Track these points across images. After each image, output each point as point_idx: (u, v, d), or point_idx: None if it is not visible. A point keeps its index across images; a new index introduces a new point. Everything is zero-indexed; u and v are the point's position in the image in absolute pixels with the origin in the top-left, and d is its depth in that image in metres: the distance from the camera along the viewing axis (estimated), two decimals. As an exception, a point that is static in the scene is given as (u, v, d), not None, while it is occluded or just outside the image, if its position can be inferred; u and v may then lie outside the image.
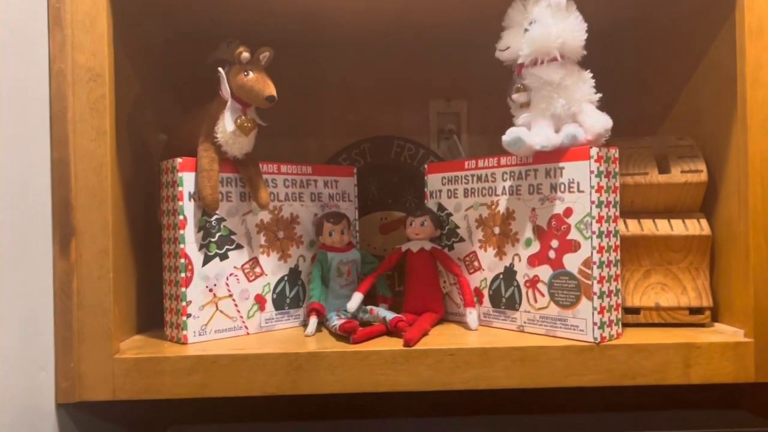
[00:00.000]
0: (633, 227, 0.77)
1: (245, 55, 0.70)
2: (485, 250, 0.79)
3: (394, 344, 0.70)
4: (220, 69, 0.71)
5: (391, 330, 0.73)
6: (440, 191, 0.85)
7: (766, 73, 0.68)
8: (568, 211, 0.70)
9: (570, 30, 0.69)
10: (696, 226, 0.77)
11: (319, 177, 0.85)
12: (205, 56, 0.74)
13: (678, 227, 0.77)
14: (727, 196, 0.76)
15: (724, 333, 0.72)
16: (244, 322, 0.77)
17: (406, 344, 0.68)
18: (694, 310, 0.76)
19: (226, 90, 0.71)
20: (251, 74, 0.71)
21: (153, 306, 0.79)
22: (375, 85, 1.12)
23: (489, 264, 0.79)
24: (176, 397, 0.66)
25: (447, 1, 0.84)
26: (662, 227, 0.77)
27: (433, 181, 0.86)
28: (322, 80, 1.11)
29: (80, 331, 0.66)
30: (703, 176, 0.77)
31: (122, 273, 0.73)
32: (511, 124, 0.73)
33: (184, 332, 0.72)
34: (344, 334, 0.72)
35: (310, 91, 1.11)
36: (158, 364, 0.66)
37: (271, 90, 0.71)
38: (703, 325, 0.76)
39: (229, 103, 0.72)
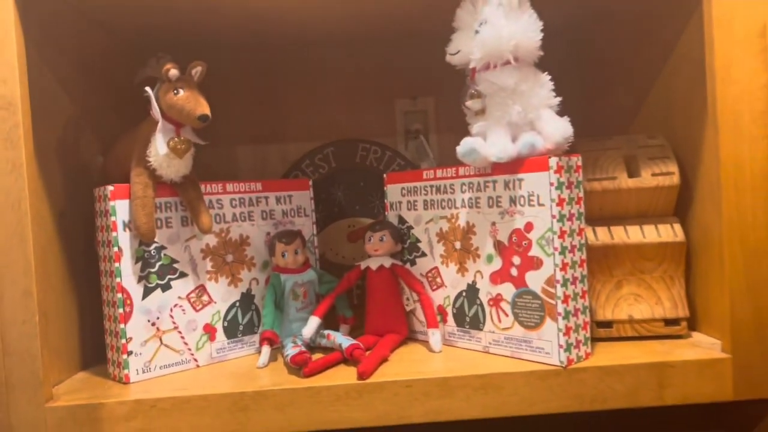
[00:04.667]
0: (603, 236, 0.73)
1: (173, 72, 0.65)
2: (447, 266, 0.75)
3: (348, 376, 0.65)
4: (147, 89, 0.66)
5: (348, 358, 0.69)
6: (400, 203, 0.80)
7: (738, 70, 0.63)
8: (529, 226, 0.65)
9: (523, 30, 0.63)
10: (669, 232, 0.72)
11: (271, 193, 0.80)
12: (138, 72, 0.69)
13: (650, 234, 0.72)
14: (702, 199, 0.71)
15: (700, 347, 0.68)
16: (192, 354, 0.73)
17: (360, 377, 0.64)
18: (670, 321, 0.72)
19: (156, 110, 0.66)
20: (181, 92, 0.65)
21: (98, 339, 0.74)
22: (337, 86, 1.06)
23: (452, 281, 0.74)
24: (115, 445, 0.62)
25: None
26: (634, 234, 0.72)
27: (393, 191, 0.81)
28: (281, 82, 1.06)
29: (7, 380, 0.61)
30: (675, 179, 0.72)
31: (59, 310, 0.69)
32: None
33: (126, 371, 0.68)
34: (296, 367, 0.67)
35: (270, 94, 1.06)
36: (93, 411, 0.62)
37: (203, 109, 0.66)
38: (680, 337, 0.72)
39: (160, 124, 0.66)
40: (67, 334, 0.71)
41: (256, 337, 0.78)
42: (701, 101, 0.69)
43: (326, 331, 0.74)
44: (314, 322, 0.74)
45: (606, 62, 0.95)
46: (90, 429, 0.62)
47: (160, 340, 0.70)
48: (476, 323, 0.72)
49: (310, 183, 0.85)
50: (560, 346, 0.64)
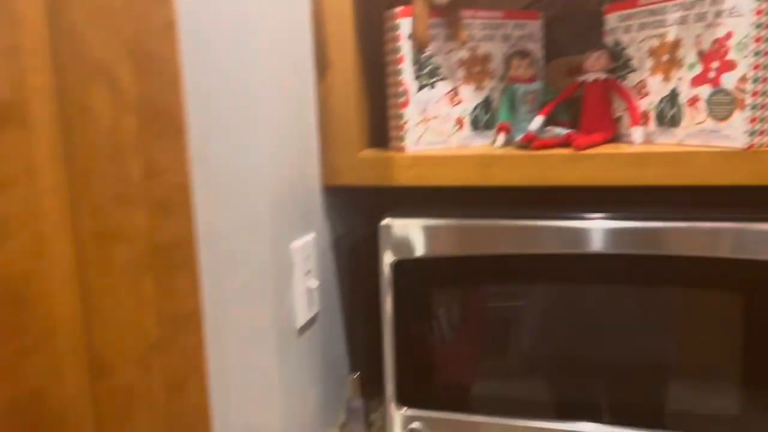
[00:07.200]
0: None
1: None
2: (654, 77, 0.91)
3: (566, 151, 0.87)
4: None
5: (565, 142, 0.91)
6: (617, 28, 0.97)
7: None
8: (729, 35, 0.80)
9: None
10: None
11: (509, 21, 1.01)
12: None
13: None
14: None
15: None
16: (448, 137, 1.00)
17: (575, 149, 0.86)
18: None
19: (435, -51, 0.90)
20: (454, -68, 0.88)
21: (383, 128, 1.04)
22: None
23: (656, 89, 0.91)
24: (400, 184, 0.92)
25: None
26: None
27: (612, 19, 0.97)
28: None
29: (335, 136, 0.93)
30: None
31: (364, 100, 0.98)
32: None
33: (405, 142, 0.96)
34: (525, 144, 0.91)
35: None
36: (388, 161, 0.92)
37: (469, -56, 0.87)
38: None
39: (436, -41, 0.90)
40: (367, 119, 1.01)
41: (492, 132, 1.03)
42: None
43: (548, 127, 0.96)
44: (539, 119, 0.96)
45: None
46: (385, 173, 0.92)
47: (427, 124, 0.98)
48: (675, 122, 0.89)
49: (540, 14, 1.04)
50: (745, 132, 0.79)
